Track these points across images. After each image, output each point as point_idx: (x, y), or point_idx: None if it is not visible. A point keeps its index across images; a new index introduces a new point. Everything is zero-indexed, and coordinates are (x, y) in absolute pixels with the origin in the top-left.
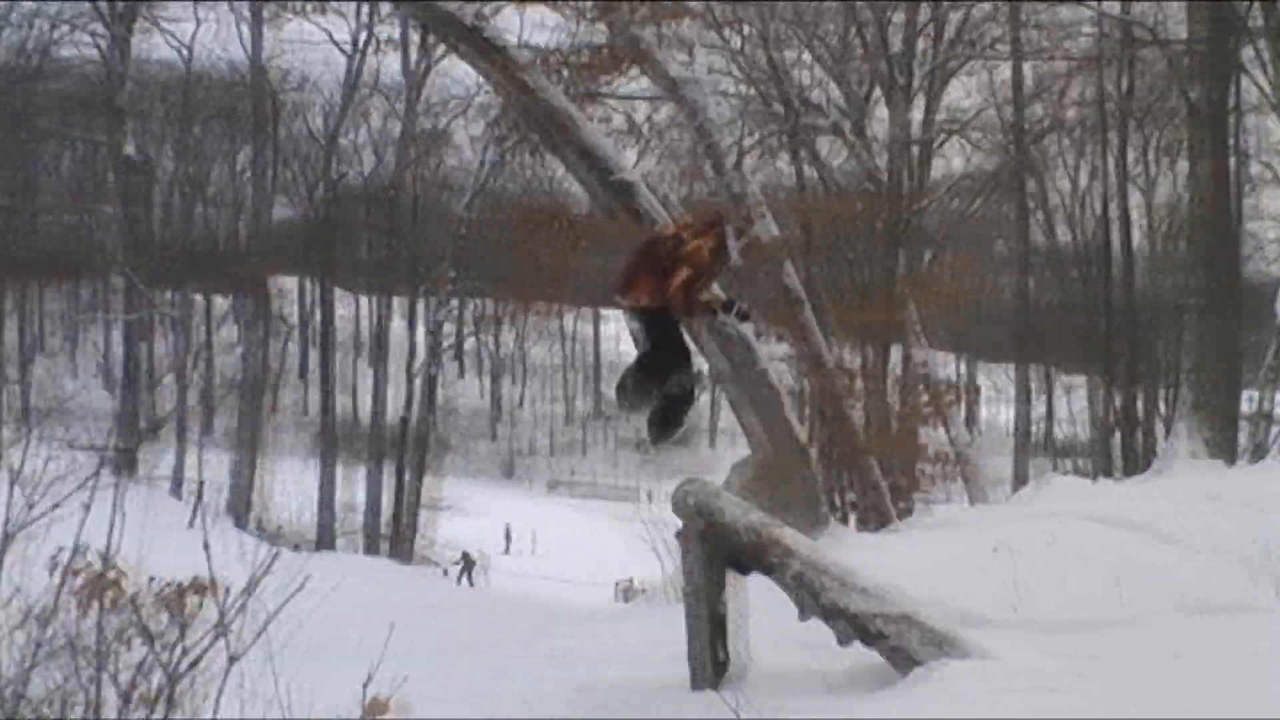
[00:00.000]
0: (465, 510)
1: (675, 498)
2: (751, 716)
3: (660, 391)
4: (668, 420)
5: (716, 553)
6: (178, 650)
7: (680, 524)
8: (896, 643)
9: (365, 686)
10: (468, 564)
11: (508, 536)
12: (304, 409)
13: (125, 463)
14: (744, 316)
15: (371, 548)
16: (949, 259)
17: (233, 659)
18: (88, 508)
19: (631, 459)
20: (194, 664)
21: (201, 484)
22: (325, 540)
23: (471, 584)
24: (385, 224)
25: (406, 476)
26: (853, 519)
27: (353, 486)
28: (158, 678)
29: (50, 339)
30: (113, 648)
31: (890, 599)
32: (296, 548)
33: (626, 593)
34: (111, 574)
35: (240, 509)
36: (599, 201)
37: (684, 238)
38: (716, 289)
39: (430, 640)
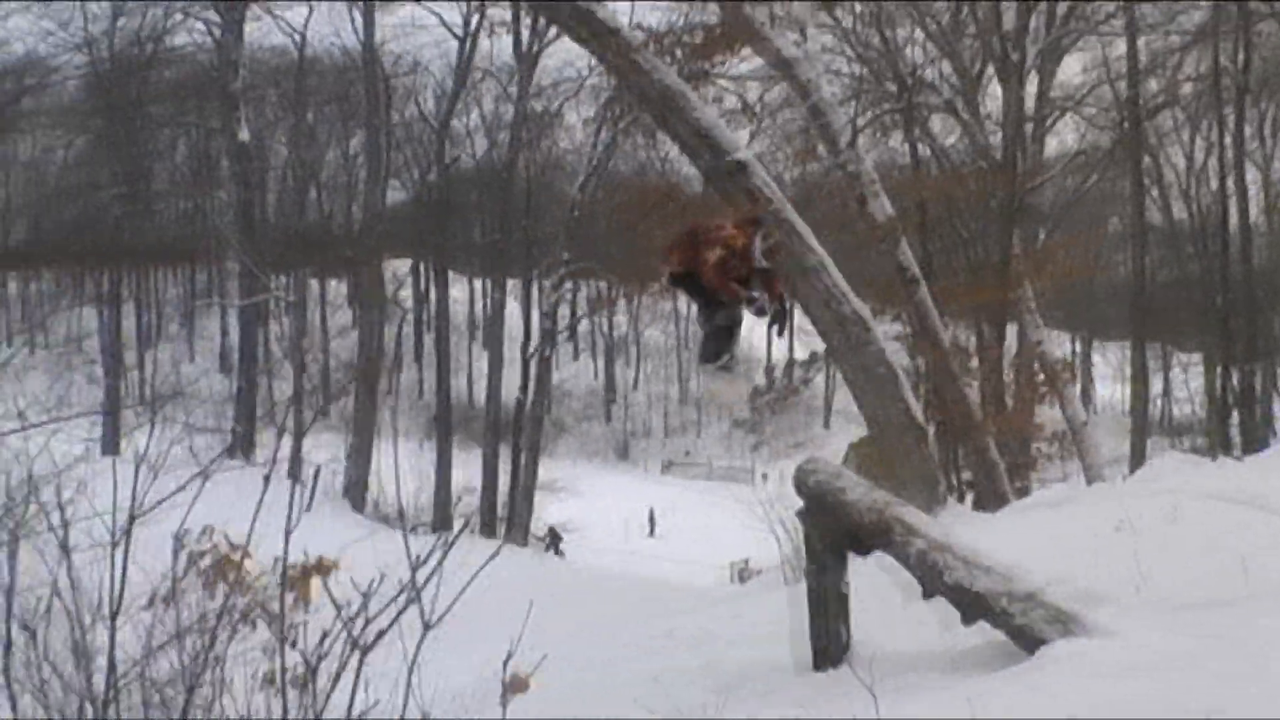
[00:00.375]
0: (580, 492)
1: (797, 477)
2: (878, 695)
3: (710, 324)
4: (712, 347)
5: (839, 531)
6: (360, 621)
7: (801, 503)
8: (1021, 621)
9: (506, 663)
10: (554, 538)
11: (651, 519)
12: (419, 392)
13: (243, 447)
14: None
15: (488, 530)
16: (1063, 236)
17: (428, 626)
18: (270, 498)
19: (746, 440)
20: (380, 636)
21: (318, 468)
22: (442, 522)
23: (560, 554)
24: (498, 207)
25: (522, 458)
26: (969, 498)
27: (468, 469)
28: (338, 650)
29: (168, 325)
30: (238, 628)
31: (1014, 577)
32: (414, 530)
33: (742, 574)
34: (235, 555)
35: (357, 492)
36: (713, 182)
37: (725, 225)
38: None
39: (552, 621)
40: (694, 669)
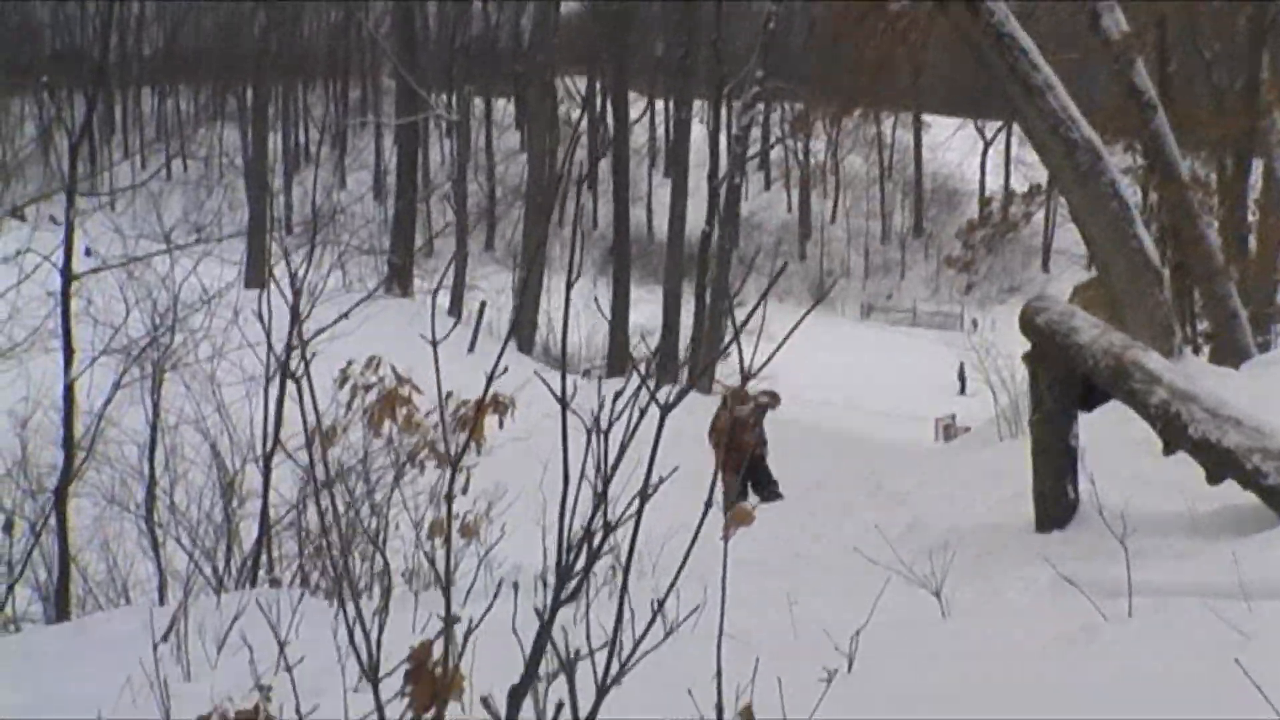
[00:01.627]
0: (772, 336)
1: (1023, 316)
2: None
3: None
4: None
5: (1069, 378)
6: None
7: (1025, 347)
8: (1275, 482)
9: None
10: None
11: (961, 377)
12: (594, 222)
13: (400, 280)
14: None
15: (668, 376)
16: None
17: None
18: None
19: (955, 282)
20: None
21: (483, 304)
22: (617, 366)
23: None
24: (684, 19)
25: (707, 298)
26: (1206, 350)
27: (647, 308)
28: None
29: (317, 146)
30: (405, 470)
31: (1267, 434)
32: (586, 374)
33: (948, 430)
34: (404, 390)
35: (524, 331)
36: None
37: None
38: None
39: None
40: (899, 529)
